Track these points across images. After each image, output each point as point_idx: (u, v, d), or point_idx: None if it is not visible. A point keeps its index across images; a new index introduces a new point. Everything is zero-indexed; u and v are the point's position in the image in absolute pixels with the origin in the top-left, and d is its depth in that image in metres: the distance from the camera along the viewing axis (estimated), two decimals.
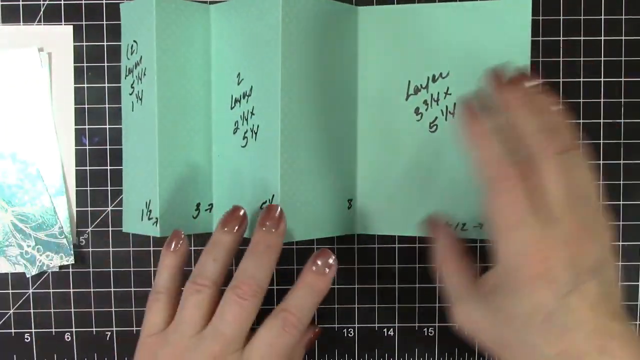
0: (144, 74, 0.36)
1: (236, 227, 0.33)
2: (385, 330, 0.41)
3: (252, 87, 0.35)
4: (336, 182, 0.38)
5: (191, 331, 0.31)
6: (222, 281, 0.32)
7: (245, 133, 0.36)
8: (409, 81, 0.38)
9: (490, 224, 0.28)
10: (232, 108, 0.37)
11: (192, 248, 0.40)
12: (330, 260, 0.32)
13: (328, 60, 0.37)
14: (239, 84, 0.36)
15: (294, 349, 0.32)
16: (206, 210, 0.38)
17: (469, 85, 0.37)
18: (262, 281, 0.31)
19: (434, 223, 0.35)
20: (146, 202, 0.36)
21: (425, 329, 0.41)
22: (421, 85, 0.38)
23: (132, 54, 0.37)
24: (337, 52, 0.37)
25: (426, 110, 0.38)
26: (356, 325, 0.41)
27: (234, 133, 0.37)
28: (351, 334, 0.41)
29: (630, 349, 0.25)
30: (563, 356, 0.25)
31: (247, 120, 0.36)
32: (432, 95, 0.38)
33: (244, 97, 0.36)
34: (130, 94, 0.38)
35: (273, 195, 0.34)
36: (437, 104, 0.38)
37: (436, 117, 0.38)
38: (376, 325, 0.41)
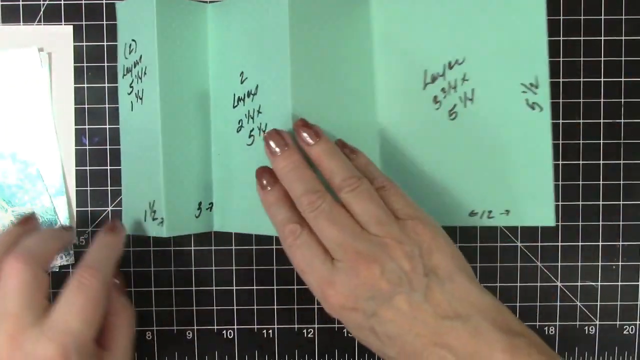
0: (145, 73, 0.36)
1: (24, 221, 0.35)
2: None
3: (257, 85, 0.35)
4: None
5: None
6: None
7: (251, 131, 0.35)
8: (425, 70, 0.37)
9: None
10: (234, 107, 0.36)
11: (192, 248, 0.40)
12: (117, 224, 0.36)
13: (340, 53, 0.36)
14: (242, 82, 0.36)
15: (108, 295, 0.33)
16: (207, 209, 0.38)
17: (486, 70, 0.36)
18: (34, 251, 0.32)
19: None
20: (150, 203, 0.36)
21: None
22: (438, 73, 0.37)
23: (130, 52, 0.37)
24: (349, 45, 0.36)
25: (444, 98, 0.37)
26: None
27: (238, 131, 0.36)
28: (351, 333, 0.41)
29: (466, 340, 0.28)
30: (402, 355, 0.29)
31: (252, 118, 0.35)
32: (449, 82, 0.37)
33: (248, 96, 0.35)
34: (129, 94, 0.37)
35: None
36: (455, 91, 0.37)
37: (455, 105, 0.37)
38: None
